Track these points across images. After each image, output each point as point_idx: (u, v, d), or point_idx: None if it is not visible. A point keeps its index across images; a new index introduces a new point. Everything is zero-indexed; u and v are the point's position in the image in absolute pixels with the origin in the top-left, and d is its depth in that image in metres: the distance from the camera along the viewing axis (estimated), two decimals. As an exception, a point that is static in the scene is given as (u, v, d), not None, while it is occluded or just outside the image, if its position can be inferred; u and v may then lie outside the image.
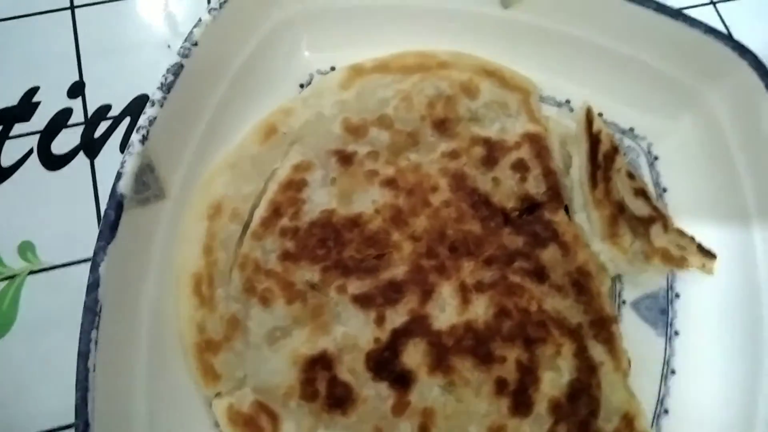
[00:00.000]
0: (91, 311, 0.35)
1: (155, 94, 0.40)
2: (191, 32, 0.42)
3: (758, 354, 0.42)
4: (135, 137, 0.39)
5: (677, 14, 0.46)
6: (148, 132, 0.39)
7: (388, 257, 0.43)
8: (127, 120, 0.49)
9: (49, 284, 0.43)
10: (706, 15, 0.59)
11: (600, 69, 0.50)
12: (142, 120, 0.39)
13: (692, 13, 0.46)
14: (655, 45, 0.48)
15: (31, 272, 0.44)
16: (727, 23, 0.58)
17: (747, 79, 0.45)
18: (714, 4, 0.59)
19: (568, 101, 0.51)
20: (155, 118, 0.39)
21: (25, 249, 0.44)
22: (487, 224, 0.44)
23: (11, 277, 0.44)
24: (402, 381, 0.40)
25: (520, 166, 0.46)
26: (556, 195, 0.45)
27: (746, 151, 0.46)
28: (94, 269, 0.35)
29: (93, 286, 0.35)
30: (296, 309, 0.41)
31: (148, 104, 0.40)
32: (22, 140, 0.48)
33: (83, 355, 0.34)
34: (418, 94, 0.48)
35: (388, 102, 0.47)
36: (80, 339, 0.34)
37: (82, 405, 0.33)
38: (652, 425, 0.42)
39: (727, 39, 0.45)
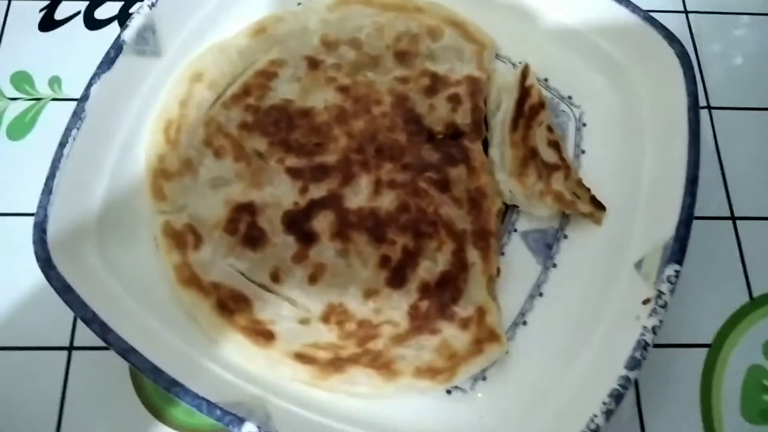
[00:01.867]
0: (77, 115, 0.45)
1: (171, -26, 0.51)
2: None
3: (609, 293, 0.47)
4: (145, 2, 0.50)
5: (624, 2, 0.53)
6: (156, 1, 0.50)
7: (325, 146, 0.52)
8: None
9: (64, 111, 0.54)
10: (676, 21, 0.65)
11: (554, 41, 0.57)
12: (154, -10, 0.50)
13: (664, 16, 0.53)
14: (602, 26, 0.55)
15: (54, 99, 0.56)
16: (694, 33, 0.64)
17: (670, 66, 0.51)
18: (686, 13, 0.65)
19: (520, 63, 0.58)
20: (166, -9, 0.50)
21: (54, 81, 0.57)
22: (413, 138, 0.53)
23: (38, 99, 0.56)
24: (307, 238, 0.49)
25: (454, 99, 0.54)
26: (477, 128, 0.53)
27: (654, 128, 0.52)
28: (87, 88, 0.46)
29: (83, 98, 0.46)
30: (240, 167, 0.51)
31: (161, -20, 0.50)
32: (75, 3, 0.60)
33: (62, 144, 0.45)
34: (390, 27, 0.56)
35: (362, 29, 0.56)
36: (63, 133, 0.45)
37: (51, 177, 0.44)
38: (509, 331, 0.49)
39: (661, 27, 0.52)
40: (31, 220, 0.50)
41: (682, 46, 0.51)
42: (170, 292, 0.47)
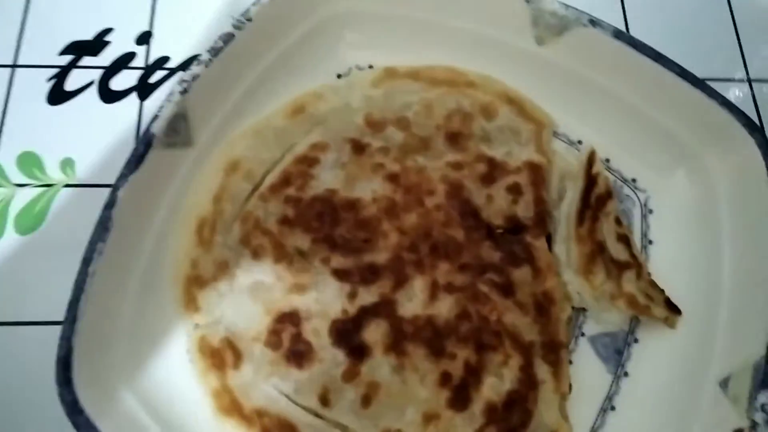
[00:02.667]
0: (102, 226, 0.40)
1: (203, 55, 0.45)
2: (248, 8, 0.47)
3: (691, 413, 0.43)
4: (176, 88, 0.44)
5: (698, 82, 0.48)
6: (189, 86, 0.44)
7: (374, 243, 0.47)
8: (180, 74, 0.55)
9: (79, 199, 0.49)
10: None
11: (616, 118, 0.53)
12: (186, 75, 0.44)
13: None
14: (672, 107, 0.50)
15: (67, 185, 0.50)
16: (758, 103, 0.60)
17: (751, 157, 0.47)
18: (750, 82, 0.61)
19: (579, 142, 0.54)
20: (198, 75, 0.45)
21: (66, 164, 0.51)
22: (471, 234, 0.48)
23: (49, 185, 0.50)
24: (358, 352, 0.44)
25: (514, 189, 0.49)
26: (541, 222, 0.48)
27: (733, 225, 0.48)
28: (113, 191, 0.41)
29: (109, 205, 0.41)
30: (281, 268, 0.46)
31: (194, 62, 0.45)
32: (88, 71, 0.54)
33: (86, 261, 0.39)
34: (440, 105, 0.52)
35: (410, 106, 0.51)
36: (87, 247, 0.40)
37: (74, 302, 0.38)
38: (582, 452, 0.45)
39: (741, 114, 0.47)
40: (46, 329, 0.46)
41: (764, 135, 0.47)
42: (210, 421, 0.41)
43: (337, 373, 0.43)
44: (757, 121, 0.58)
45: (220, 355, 0.43)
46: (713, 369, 0.44)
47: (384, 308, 0.45)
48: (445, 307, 0.45)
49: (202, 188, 0.46)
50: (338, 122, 0.51)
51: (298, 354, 0.44)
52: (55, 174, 0.50)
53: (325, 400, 0.43)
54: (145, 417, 0.40)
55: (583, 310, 0.49)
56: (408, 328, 0.45)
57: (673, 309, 0.47)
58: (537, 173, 0.50)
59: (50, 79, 0.54)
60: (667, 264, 0.50)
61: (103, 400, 0.38)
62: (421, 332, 0.45)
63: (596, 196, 0.49)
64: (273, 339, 0.44)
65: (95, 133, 0.52)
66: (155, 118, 0.43)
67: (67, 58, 0.55)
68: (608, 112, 0.53)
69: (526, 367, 0.44)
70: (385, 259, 0.47)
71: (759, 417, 0.40)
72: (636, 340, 0.48)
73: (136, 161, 0.42)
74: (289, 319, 0.44)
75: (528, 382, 0.44)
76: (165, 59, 0.56)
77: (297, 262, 0.46)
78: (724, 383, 0.43)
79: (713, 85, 0.48)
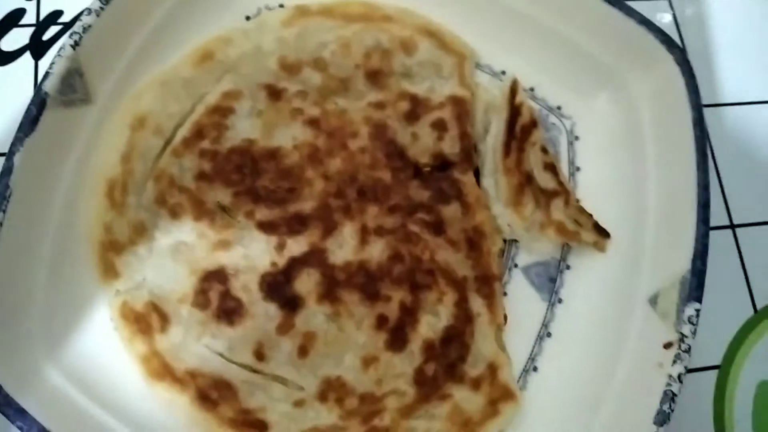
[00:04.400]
0: (0, 196, 0.37)
1: (94, 4, 0.42)
2: (141, -52, 0.44)
3: (624, 332, 0.44)
4: (67, 41, 0.41)
5: (615, 1, 0.48)
6: (80, 38, 0.41)
7: (299, 191, 0.45)
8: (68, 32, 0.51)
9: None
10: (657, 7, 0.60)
11: (539, 46, 0.52)
12: (77, 26, 0.41)
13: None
14: (591, 29, 0.49)
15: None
16: (678, 18, 0.60)
17: (670, 74, 0.47)
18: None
19: (503, 72, 0.53)
20: (90, 26, 0.41)
21: (-42, 135, 0.47)
22: (398, 175, 0.47)
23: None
24: (290, 304, 0.43)
25: (439, 126, 0.48)
26: (467, 157, 0.48)
27: (656, 143, 0.48)
28: (8, 158, 0.38)
29: (5, 172, 0.38)
30: (202, 226, 0.44)
31: (84, 11, 0.41)
32: (-27, 32, 0.50)
33: (-14, 235, 0.37)
34: (357, 42, 0.49)
35: (326, 46, 0.49)
36: (-14, 220, 0.37)
37: (-22, 278, 0.36)
38: (520, 379, 0.45)
39: (659, 31, 0.47)
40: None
41: (683, 51, 0.47)
42: (141, 387, 0.40)
43: (271, 327, 0.42)
44: (679, 43, 0.59)
45: (145, 319, 0.41)
46: (642, 288, 0.45)
47: (314, 257, 0.44)
48: (376, 251, 0.45)
49: (109, 147, 0.44)
50: (250, 68, 0.48)
51: (229, 311, 0.42)
52: (-52, 146, 0.46)
53: (260, 355, 0.42)
54: (72, 390, 0.38)
55: (515, 241, 0.48)
56: (340, 275, 0.44)
57: (602, 233, 0.48)
58: (461, 107, 0.49)
59: (-69, 42, 0.49)
60: (595, 189, 0.50)
61: (23, 376, 0.36)
62: (354, 278, 0.44)
63: (521, 127, 0.49)
64: (200, 299, 0.42)
65: (-12, 101, 0.48)
66: (47, 75, 0.40)
67: (-52, 19, 0.50)
68: (530, 39, 0.52)
69: (460, 302, 0.44)
70: (312, 208, 0.45)
71: (686, 329, 0.41)
72: (568, 267, 0.49)
73: (30, 123, 0.39)
74: (216, 277, 0.43)
75: (464, 317, 0.44)
76: (58, 13, 0.51)
77: (219, 218, 0.44)
78: (653, 300, 0.44)
79: (636, 6, 0.47)
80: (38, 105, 0.39)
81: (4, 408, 0.34)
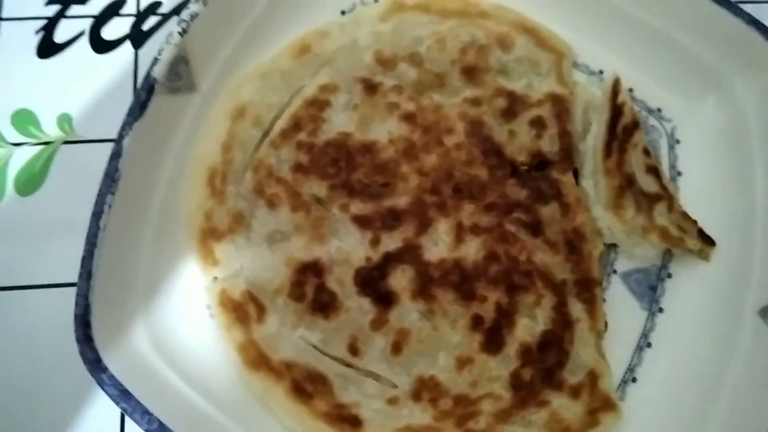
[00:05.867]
0: (110, 177, 0.38)
1: (201, -8, 0.42)
2: (246, -56, 0.44)
3: (731, 344, 0.42)
4: (175, 29, 0.41)
5: (722, 1, 0.46)
6: (188, 26, 0.41)
7: (394, 186, 0.45)
8: (175, 19, 0.52)
9: (80, 155, 0.47)
10: (760, 12, 0.58)
11: (639, 45, 0.50)
12: (185, 14, 0.41)
13: (747, 7, 0.46)
14: (697, 29, 0.47)
15: (66, 142, 0.47)
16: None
17: (780, 77, 0.45)
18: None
19: (601, 71, 0.51)
20: (197, 14, 0.42)
21: (63, 120, 0.48)
22: (494, 173, 0.46)
23: (47, 143, 0.47)
24: (384, 300, 0.42)
25: (537, 123, 0.47)
26: (567, 156, 0.46)
27: (764, 149, 0.46)
28: (118, 141, 0.38)
29: (115, 155, 0.38)
30: (299, 217, 0.44)
31: (192, 1, 0.42)
32: (77, 21, 0.51)
33: (96, 215, 0.37)
34: (453, 38, 0.49)
35: (422, 41, 0.48)
36: (96, 201, 0.37)
37: (88, 258, 0.36)
38: (618, 389, 0.43)
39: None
40: (56, 292, 0.44)
41: (793, 54, 0.45)
42: (236, 375, 0.40)
43: (365, 322, 0.42)
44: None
45: (243, 308, 0.41)
46: (751, 298, 0.43)
47: (408, 253, 0.43)
48: (472, 250, 0.44)
49: (210, 136, 0.44)
50: (346, 61, 0.48)
51: (324, 304, 0.42)
52: (52, 131, 0.47)
53: (354, 350, 0.41)
54: (170, 373, 0.38)
55: (614, 246, 0.47)
56: (435, 272, 0.43)
57: (707, 240, 0.46)
58: (560, 105, 0.47)
59: (38, 31, 0.50)
60: (698, 195, 0.48)
61: (124, 356, 0.36)
62: (448, 276, 0.43)
63: (623, 127, 0.47)
64: (296, 291, 0.42)
65: (90, 86, 0.49)
66: (155, 62, 0.40)
67: (54, 9, 0.51)
68: (630, 38, 0.50)
69: (559, 307, 0.43)
70: (407, 203, 0.44)
71: (803, 342, 0.38)
72: (669, 275, 0.46)
73: (139, 108, 0.39)
74: (312, 269, 0.42)
75: (562, 322, 0.43)
76: (157, 4, 0.52)
77: (315, 211, 0.44)
78: (764, 312, 0.42)
79: (743, 6, 0.45)
80: (147, 90, 0.39)
81: (109, 388, 0.35)
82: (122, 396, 0.34)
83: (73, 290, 0.36)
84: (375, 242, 0.43)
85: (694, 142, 0.49)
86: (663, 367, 0.44)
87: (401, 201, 0.44)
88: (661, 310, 0.46)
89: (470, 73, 0.48)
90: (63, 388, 0.42)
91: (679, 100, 0.50)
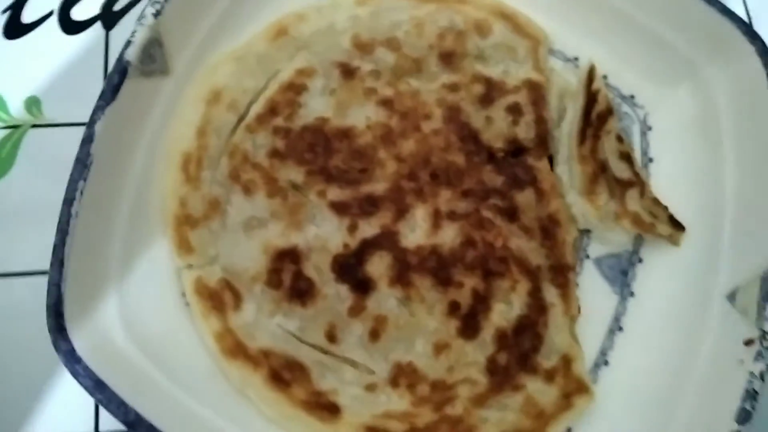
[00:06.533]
0: (82, 163, 0.37)
1: (176, -27, 0.41)
2: None
3: (700, 328, 0.43)
4: (149, 10, 0.40)
5: (696, -12, 0.46)
6: (162, 7, 0.40)
7: (371, 172, 0.45)
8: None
9: (48, 139, 0.46)
10: (731, 1, 0.58)
11: (613, 32, 0.50)
12: (158, -5, 0.40)
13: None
14: (670, 17, 0.48)
15: (34, 125, 0.46)
16: (751, 13, 0.58)
17: (751, 66, 0.45)
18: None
19: (576, 58, 0.51)
20: (171, -5, 0.41)
21: (31, 103, 0.46)
22: (471, 159, 0.46)
23: (15, 127, 0.46)
24: (362, 287, 0.42)
25: (514, 110, 0.47)
26: (542, 143, 0.47)
27: (735, 136, 0.46)
28: (90, 125, 0.37)
29: (87, 140, 0.37)
30: (275, 203, 0.43)
31: (166, -20, 0.41)
32: (46, 1, 0.49)
33: (68, 202, 0.36)
34: (431, 23, 0.48)
35: (400, 25, 0.48)
36: (68, 187, 0.36)
37: (60, 245, 0.35)
38: (591, 373, 0.44)
39: (740, 22, 0.46)
40: (27, 280, 0.43)
41: (764, 44, 0.45)
42: (213, 364, 0.40)
43: (343, 309, 0.42)
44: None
45: (219, 296, 0.41)
46: (720, 283, 0.44)
47: (386, 240, 0.43)
48: (449, 236, 0.44)
49: (184, 121, 0.43)
50: (324, 45, 0.47)
51: (301, 291, 0.42)
52: (20, 114, 0.46)
53: (332, 337, 0.41)
54: (146, 362, 0.37)
55: (587, 232, 0.47)
56: (412, 258, 0.43)
57: (677, 225, 0.46)
58: (537, 92, 0.47)
59: (5, 11, 0.49)
60: (668, 181, 0.49)
61: (98, 346, 0.35)
62: (425, 262, 0.43)
63: (597, 114, 0.47)
64: (273, 278, 0.42)
65: (59, 68, 0.48)
66: (128, 44, 0.39)
67: (20, -13, 0.50)
68: (605, 25, 0.51)
69: (534, 292, 0.43)
70: (384, 189, 0.44)
71: (769, 326, 0.40)
72: (640, 260, 0.47)
73: (111, 92, 0.38)
74: (289, 256, 0.42)
75: (537, 307, 0.43)
76: (129, -17, 0.51)
77: (292, 197, 0.44)
78: (732, 296, 0.43)
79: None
80: (120, 73, 0.39)
81: (83, 379, 0.34)
82: (97, 387, 0.34)
83: (42, 278, 0.35)
84: (352, 228, 0.43)
85: (666, 129, 0.50)
86: (634, 350, 0.45)
87: (378, 187, 0.44)
88: (632, 294, 0.46)
89: (448, 59, 0.48)
90: (35, 380, 0.41)
91: (651, 88, 0.51)
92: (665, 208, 0.47)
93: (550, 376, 0.42)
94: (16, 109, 0.46)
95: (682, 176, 0.49)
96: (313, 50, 0.47)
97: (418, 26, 0.48)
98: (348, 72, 0.47)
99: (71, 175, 0.36)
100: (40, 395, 0.41)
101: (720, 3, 0.46)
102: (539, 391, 0.42)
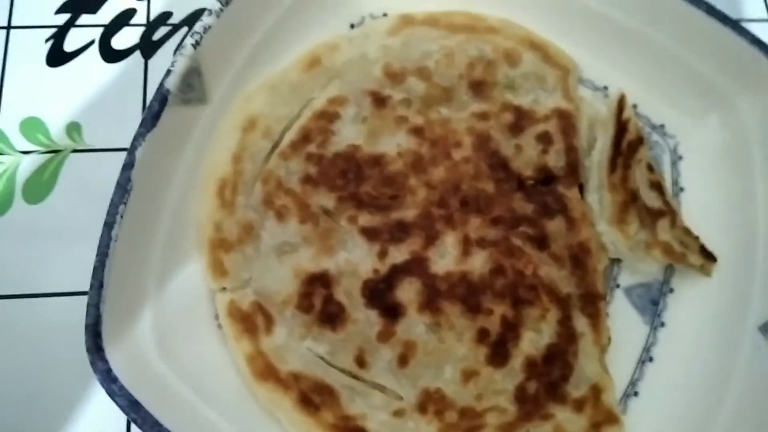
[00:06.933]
0: (122, 188, 0.38)
1: (214, 5, 0.43)
2: (257, -43, 0.45)
3: (732, 360, 0.43)
4: (188, 41, 0.41)
5: (726, 20, 0.46)
6: (201, 38, 0.42)
7: (402, 199, 0.45)
8: (184, 29, 0.52)
9: (88, 164, 0.47)
10: (764, 31, 0.58)
11: (643, 62, 0.51)
12: (198, 26, 0.42)
13: (750, 26, 0.47)
14: (701, 47, 0.48)
15: (74, 150, 0.47)
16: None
17: (784, 97, 0.45)
18: (773, 20, 0.59)
19: (605, 87, 0.52)
20: (210, 26, 0.42)
21: (72, 129, 0.48)
22: (501, 186, 0.46)
23: (56, 152, 0.47)
24: (391, 312, 0.42)
25: (544, 138, 0.47)
26: (573, 171, 0.47)
27: (766, 166, 0.47)
28: (131, 151, 0.39)
29: (128, 166, 0.38)
30: (307, 229, 0.44)
31: (205, 12, 0.42)
32: (87, 30, 0.51)
33: (108, 225, 0.37)
34: (461, 53, 0.49)
35: (430, 55, 0.49)
36: (108, 211, 0.37)
37: (100, 268, 0.36)
38: (620, 403, 0.44)
39: (771, 52, 0.46)
40: (64, 300, 0.44)
41: (795, 73, 0.45)
42: (244, 386, 0.40)
43: (372, 334, 0.42)
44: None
45: (251, 319, 0.41)
46: (752, 314, 0.44)
47: (416, 266, 0.44)
48: (478, 263, 0.44)
49: (220, 147, 0.44)
50: (356, 74, 0.48)
51: (331, 316, 0.42)
52: (61, 139, 0.48)
53: (361, 361, 0.41)
54: (179, 383, 0.38)
55: (617, 261, 0.47)
56: (442, 285, 0.43)
57: (709, 256, 0.46)
58: (567, 121, 0.48)
59: (48, 39, 0.51)
60: (700, 211, 0.49)
61: (134, 366, 0.36)
62: (455, 289, 0.43)
63: (627, 143, 0.48)
64: (304, 302, 0.42)
65: (100, 95, 0.49)
66: (168, 73, 0.41)
67: (64, 17, 0.52)
68: (634, 55, 0.51)
69: (564, 321, 0.43)
70: (414, 216, 0.45)
71: (804, 359, 0.39)
72: (671, 290, 0.47)
73: (152, 119, 0.39)
74: (320, 281, 0.43)
75: (567, 336, 0.43)
76: (167, 15, 0.53)
77: (323, 222, 0.44)
78: (765, 328, 0.43)
79: (747, 25, 0.46)
80: (160, 101, 0.40)
81: (119, 399, 0.35)
82: (132, 407, 0.34)
83: (80, 299, 0.36)
84: (382, 254, 0.44)
85: (696, 159, 0.50)
86: (664, 381, 0.44)
87: (409, 213, 0.45)
88: (662, 324, 0.46)
89: (478, 88, 0.49)
90: (72, 398, 0.42)
91: (682, 117, 0.51)
92: (696, 238, 0.47)
93: (579, 406, 0.42)
94: (58, 134, 0.48)
95: (714, 206, 0.48)
96: (345, 79, 0.48)
97: (449, 56, 0.49)
98: (379, 100, 0.48)
99: (112, 199, 0.37)
100: (71, 414, 0.42)
101: (750, 34, 0.46)
102: (568, 420, 0.41)
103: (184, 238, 0.42)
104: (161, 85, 0.40)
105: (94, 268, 0.36)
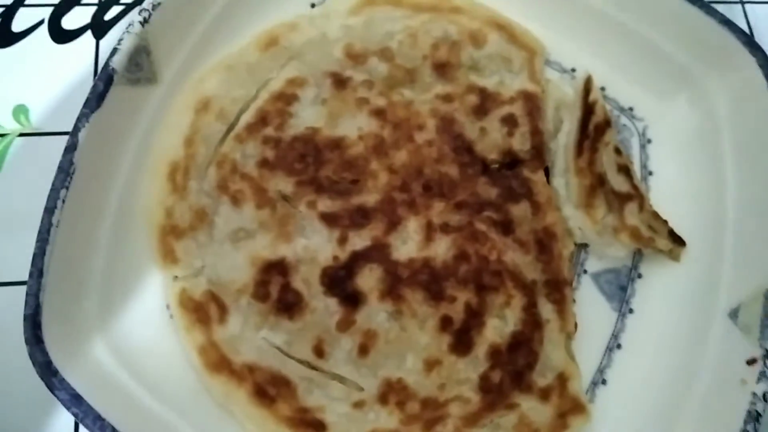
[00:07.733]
0: (64, 171, 0.36)
1: (164, -19, 0.41)
2: (211, -71, 0.43)
3: (701, 347, 0.42)
4: (136, 18, 0.40)
5: (696, 0, 0.46)
6: (150, 15, 0.40)
7: (363, 183, 0.44)
8: (137, 8, 0.50)
9: (35, 148, 0.45)
10: (732, 12, 0.58)
11: (612, 44, 0.50)
12: (147, 3, 0.40)
13: (720, 7, 0.46)
14: (669, 28, 0.47)
15: (21, 134, 0.45)
16: (752, 24, 0.57)
17: (752, 76, 0.44)
18: (743, 3, 0.58)
19: (573, 69, 0.51)
20: (159, 3, 0.40)
21: (19, 112, 0.46)
22: (465, 170, 0.45)
23: (2, 135, 0.45)
24: (352, 300, 0.41)
25: (509, 121, 0.46)
26: (538, 155, 0.46)
27: (736, 148, 0.46)
28: (74, 133, 0.37)
29: (70, 148, 0.36)
30: (264, 214, 0.42)
31: (154, -12, 0.40)
32: (36, 10, 0.49)
33: (49, 210, 0.35)
34: (425, 33, 0.48)
35: (393, 35, 0.48)
36: (49, 196, 0.36)
37: (39, 255, 0.34)
38: (588, 391, 0.43)
39: (741, 33, 0.45)
40: (6, 290, 0.42)
41: (765, 55, 0.44)
42: (196, 378, 0.39)
43: (331, 323, 0.41)
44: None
45: (204, 308, 0.40)
46: (721, 300, 0.43)
47: (377, 252, 0.42)
48: (441, 249, 0.43)
49: (172, 129, 0.42)
50: (315, 55, 0.47)
51: (289, 304, 0.41)
52: (7, 123, 0.46)
53: (319, 351, 0.40)
54: (125, 376, 0.36)
55: (584, 246, 0.46)
56: (403, 272, 0.42)
57: (678, 240, 0.45)
58: (532, 103, 0.47)
59: (-6, 18, 0.48)
60: (669, 195, 0.48)
61: (77, 359, 0.35)
62: (417, 276, 0.42)
63: (594, 126, 0.46)
64: (260, 290, 0.41)
65: (49, 77, 0.47)
66: (114, 51, 0.39)
67: (11, -4, 0.49)
68: (602, 36, 0.50)
69: (529, 307, 0.42)
70: (376, 201, 0.43)
71: (774, 345, 0.38)
72: (640, 276, 0.46)
73: (96, 99, 0.37)
74: (277, 268, 0.41)
75: (532, 323, 0.42)
76: (120, -7, 0.51)
77: (281, 208, 0.43)
78: (734, 314, 0.42)
79: (716, 6, 0.45)
80: (105, 81, 0.38)
81: (59, 393, 0.33)
82: (73, 401, 0.33)
83: (24, 288, 0.34)
84: (342, 241, 0.42)
85: (665, 142, 0.49)
86: (633, 368, 0.43)
87: (370, 198, 0.43)
88: (631, 311, 0.45)
89: (442, 69, 0.47)
90: (16, 393, 0.40)
91: (650, 99, 0.50)
92: (665, 222, 0.46)
93: (545, 395, 0.41)
94: (4, 117, 0.46)
95: (683, 190, 0.47)
96: (304, 60, 0.46)
97: (412, 36, 0.47)
98: (340, 82, 0.46)
99: (53, 183, 0.36)
100: (19, 412, 0.40)
101: (720, 14, 0.45)
102: (534, 410, 0.40)
103: (132, 224, 0.41)
104: (106, 64, 0.38)
105: (34, 256, 0.35)
